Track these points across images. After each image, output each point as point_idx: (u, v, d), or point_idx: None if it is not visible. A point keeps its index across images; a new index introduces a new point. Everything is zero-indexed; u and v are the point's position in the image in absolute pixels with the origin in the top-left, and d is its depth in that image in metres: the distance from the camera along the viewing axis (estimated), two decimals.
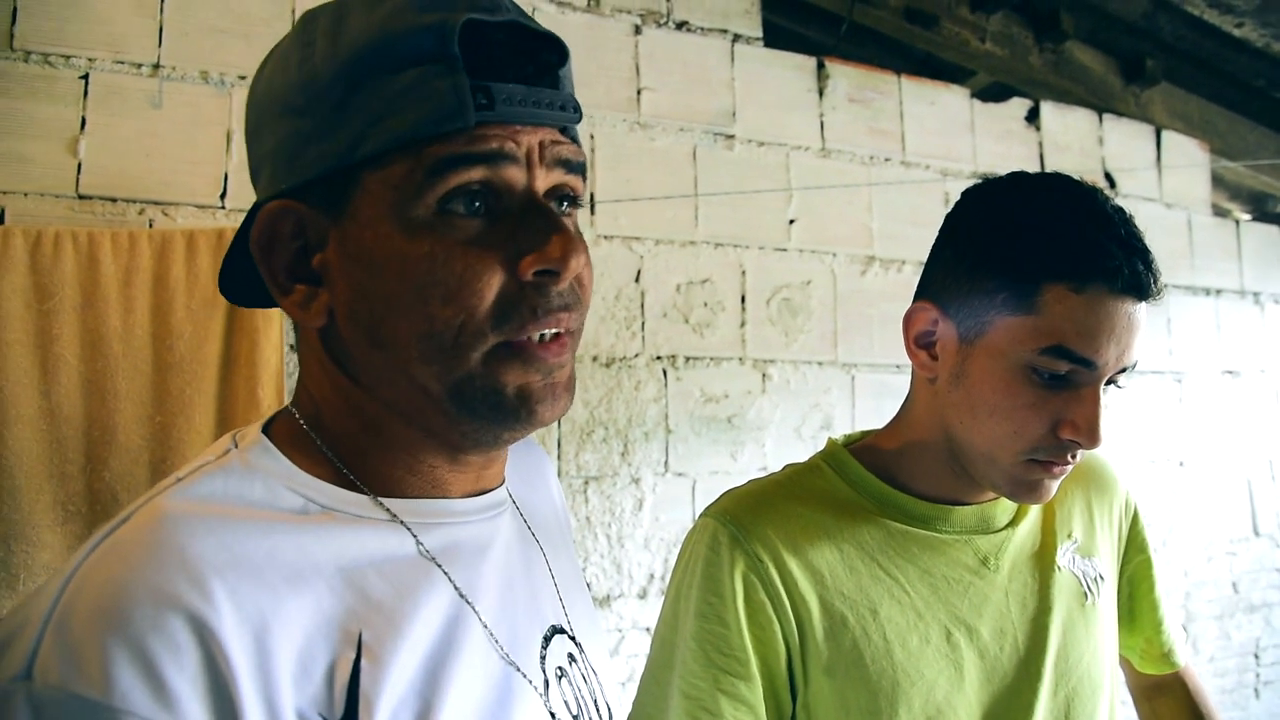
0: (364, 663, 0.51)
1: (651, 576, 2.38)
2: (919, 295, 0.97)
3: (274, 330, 1.82)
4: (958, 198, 0.97)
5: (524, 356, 0.56)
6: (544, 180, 0.57)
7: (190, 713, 0.44)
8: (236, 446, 0.58)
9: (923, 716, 0.88)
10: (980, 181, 0.97)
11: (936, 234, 0.98)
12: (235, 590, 0.48)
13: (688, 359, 2.47)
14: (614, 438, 2.36)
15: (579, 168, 0.60)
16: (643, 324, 2.42)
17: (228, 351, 1.80)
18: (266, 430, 0.60)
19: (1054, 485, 0.90)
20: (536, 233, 0.55)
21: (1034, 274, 0.84)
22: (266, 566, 0.50)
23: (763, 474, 1.06)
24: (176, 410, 1.75)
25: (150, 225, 1.93)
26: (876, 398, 2.67)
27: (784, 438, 2.54)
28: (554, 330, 0.57)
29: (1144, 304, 0.85)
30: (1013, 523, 0.99)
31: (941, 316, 0.92)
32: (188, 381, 1.76)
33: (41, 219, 1.85)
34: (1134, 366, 0.87)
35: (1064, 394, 0.85)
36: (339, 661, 0.50)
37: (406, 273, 0.53)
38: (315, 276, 0.58)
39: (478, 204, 0.55)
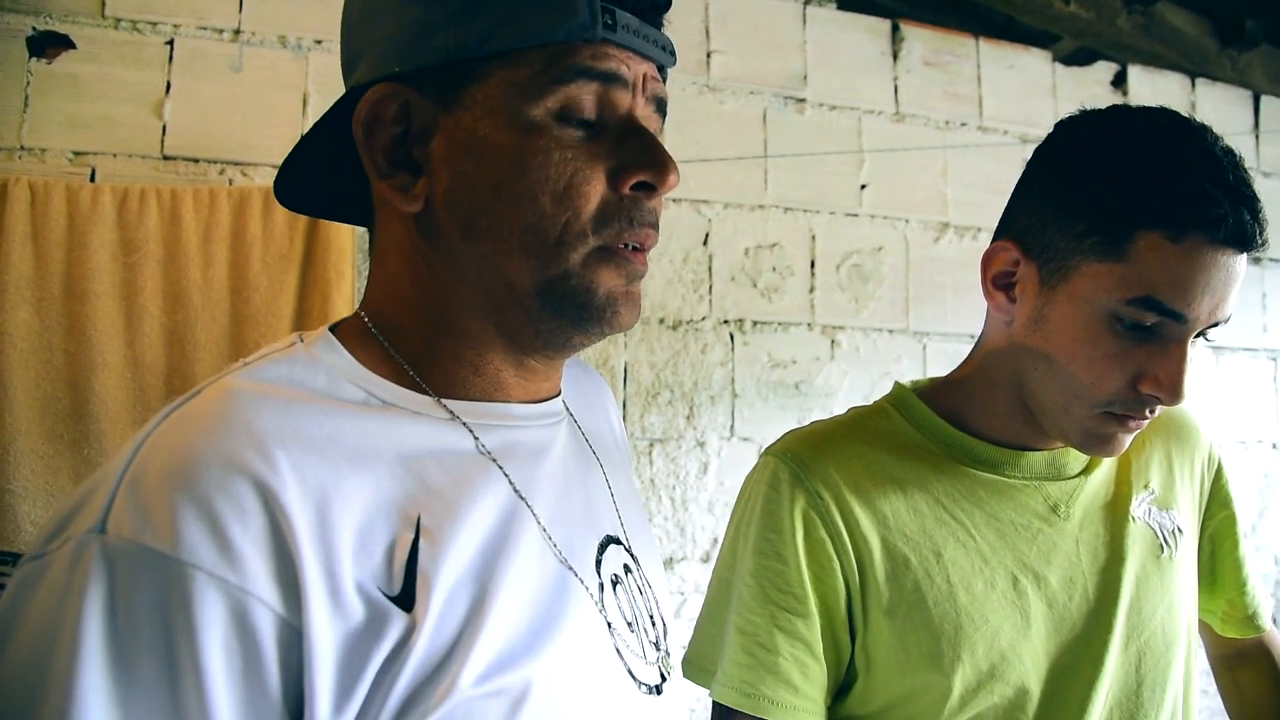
0: (422, 542, 0.52)
1: (715, 540, 2.38)
2: (1000, 233, 0.92)
3: (345, 284, 1.87)
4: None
5: (618, 260, 0.59)
6: (642, 110, 0.61)
7: (254, 571, 0.46)
8: (302, 341, 0.60)
9: (986, 663, 0.85)
10: (1077, 113, 0.90)
11: (1024, 169, 0.93)
12: (299, 463, 0.50)
13: (755, 323, 2.45)
14: (679, 400, 2.36)
15: (665, 109, 0.64)
16: (710, 287, 2.41)
17: (301, 305, 1.86)
18: (334, 330, 0.62)
19: (1127, 439, 0.86)
20: (640, 151, 0.59)
21: (1128, 219, 0.78)
22: (329, 445, 0.52)
23: None
24: None
25: (230, 184, 1.99)
26: (949, 367, 2.56)
27: (853, 405, 2.50)
28: (640, 244, 0.61)
29: (1245, 256, 0.79)
30: (1086, 470, 0.95)
31: (1023, 257, 0.87)
32: (263, 334, 1.82)
33: (129, 178, 1.93)
34: (1227, 320, 0.81)
35: (1149, 346, 0.80)
36: (398, 540, 0.52)
37: (520, 166, 0.56)
38: (413, 164, 0.60)
39: (588, 117, 0.58)
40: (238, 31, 2.06)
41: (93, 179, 1.92)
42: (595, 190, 0.58)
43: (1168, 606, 0.93)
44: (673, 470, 2.34)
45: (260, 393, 0.53)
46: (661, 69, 0.63)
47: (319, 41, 2.11)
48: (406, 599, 0.50)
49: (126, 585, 0.44)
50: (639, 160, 0.58)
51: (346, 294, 1.86)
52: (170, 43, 2.02)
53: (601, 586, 0.64)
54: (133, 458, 0.49)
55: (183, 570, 0.44)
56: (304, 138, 0.65)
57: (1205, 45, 3.16)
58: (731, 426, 2.41)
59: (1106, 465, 0.97)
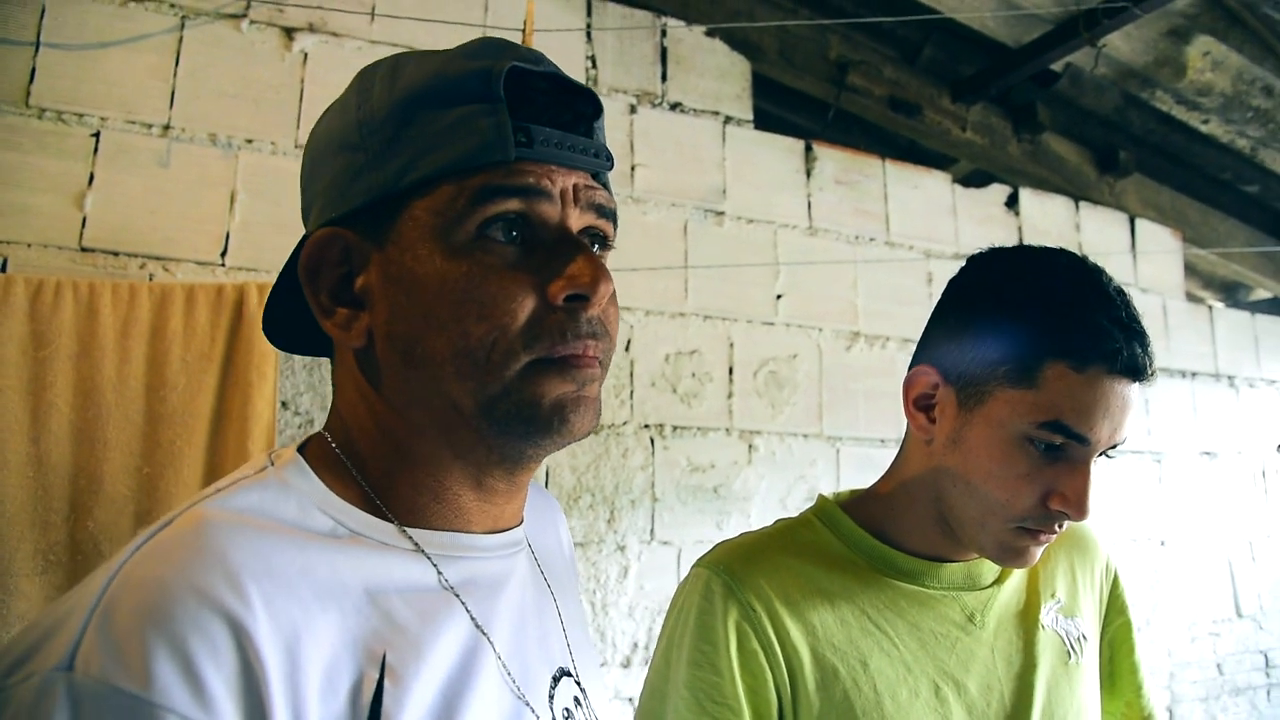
0: (387, 683, 0.52)
1: (635, 645, 2.36)
2: (920, 358, 0.99)
3: (267, 386, 1.84)
4: (944, 274, 1.00)
5: (560, 366, 0.58)
6: (577, 220, 0.61)
7: (225, 712, 0.44)
8: (273, 465, 0.59)
9: None
10: (987, 250, 0.99)
11: (940, 298, 1.00)
12: (270, 599, 0.49)
13: (675, 428, 2.50)
14: (600, 504, 2.36)
15: (610, 214, 0.64)
16: (631, 392, 2.45)
17: (220, 405, 1.81)
18: (301, 451, 0.62)
19: (1038, 552, 0.92)
20: (568, 261, 0.58)
21: (1037, 351, 0.86)
22: (299, 581, 0.51)
23: None
24: (165, 462, 1.75)
25: (151, 279, 1.96)
26: (861, 470, 2.69)
27: (769, 508, 2.55)
28: (579, 355, 0.59)
29: (1138, 385, 0.88)
30: (998, 580, 1.01)
31: (942, 382, 0.94)
32: (178, 433, 1.76)
33: (43, 269, 1.88)
34: (1124, 442, 0.90)
35: (1057, 466, 0.87)
36: (363, 680, 0.51)
37: (445, 291, 0.57)
38: (357, 300, 0.61)
39: (515, 233, 0.58)
40: (167, 127, 2.06)
41: (4, 268, 1.86)
42: (523, 306, 0.57)
43: (1077, 710, 0.98)
44: (593, 574, 2.33)
45: (234, 523, 0.52)
46: (599, 175, 0.63)
47: (249, 140, 2.13)
48: None
49: None
50: (566, 272, 0.58)
51: (268, 396, 1.83)
52: (96, 135, 2.00)
53: None
54: (105, 590, 0.47)
55: (154, 713, 0.43)
56: (276, 282, 0.67)
57: (1085, 172, 3.45)
58: (651, 530, 2.42)
59: (1016, 575, 1.02)
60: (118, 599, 0.46)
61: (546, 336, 0.57)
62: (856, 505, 1.03)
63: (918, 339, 1.03)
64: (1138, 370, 0.86)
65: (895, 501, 1.00)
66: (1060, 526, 0.90)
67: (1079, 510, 0.86)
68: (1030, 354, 0.87)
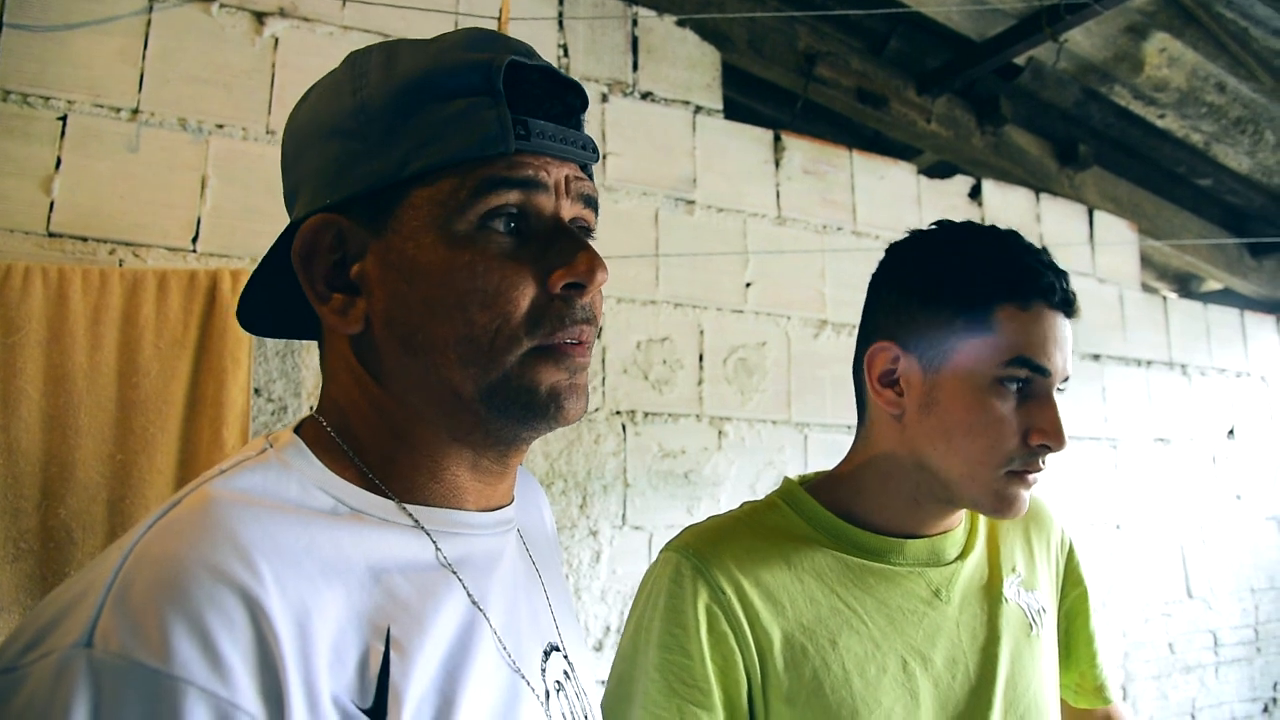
0: (393, 655, 0.53)
1: (608, 629, 2.39)
2: (869, 339, 1.03)
3: (241, 372, 1.83)
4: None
5: (556, 356, 0.61)
6: (569, 210, 0.63)
7: (242, 686, 0.45)
8: (272, 447, 0.61)
9: None
10: (905, 235, 1.06)
11: (871, 285, 1.06)
12: (280, 575, 0.50)
13: (646, 414, 2.52)
14: (573, 490, 2.39)
15: (594, 204, 0.66)
16: (603, 379, 2.47)
17: (194, 392, 1.80)
18: (296, 433, 0.63)
19: (1028, 496, 0.96)
20: (566, 251, 0.61)
21: (986, 298, 0.93)
22: (305, 558, 0.53)
23: None
24: (138, 448, 1.74)
25: (120, 265, 1.94)
26: (828, 456, 2.73)
27: (739, 494, 2.59)
28: (576, 340, 0.62)
29: (1069, 321, 0.97)
30: (961, 556, 1.03)
31: (901, 353, 0.98)
32: (151, 420, 1.75)
33: (9, 255, 1.85)
34: (1069, 379, 0.97)
35: (1026, 405, 0.93)
36: (370, 653, 0.53)
37: (448, 280, 0.58)
38: (352, 286, 0.62)
39: (513, 224, 0.60)
40: (136, 111, 2.04)
41: None
42: (525, 294, 0.59)
43: (1039, 680, 1.01)
44: (566, 559, 2.35)
45: (240, 502, 0.53)
46: (586, 166, 0.66)
47: (220, 125, 2.11)
48: (379, 712, 0.51)
49: (114, 702, 0.43)
50: (565, 262, 0.60)
51: (242, 382, 1.82)
52: (63, 118, 1.97)
53: (547, 693, 0.66)
54: (119, 568, 0.48)
55: (175, 686, 0.44)
56: (256, 268, 0.67)
57: (1046, 164, 3.52)
58: (623, 515, 2.45)
59: (978, 551, 1.05)
60: (133, 576, 0.47)
61: (546, 323, 0.60)
62: (821, 486, 1.06)
63: None
64: (1069, 304, 0.96)
65: (862, 480, 1.03)
66: (1044, 463, 0.95)
67: (1057, 439, 0.92)
68: (980, 303, 0.94)
